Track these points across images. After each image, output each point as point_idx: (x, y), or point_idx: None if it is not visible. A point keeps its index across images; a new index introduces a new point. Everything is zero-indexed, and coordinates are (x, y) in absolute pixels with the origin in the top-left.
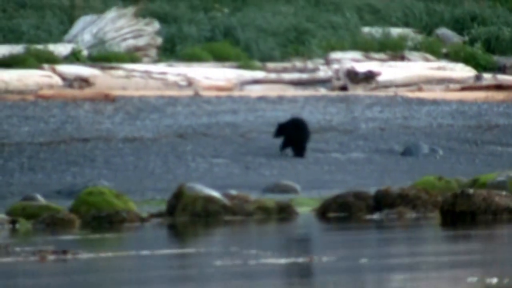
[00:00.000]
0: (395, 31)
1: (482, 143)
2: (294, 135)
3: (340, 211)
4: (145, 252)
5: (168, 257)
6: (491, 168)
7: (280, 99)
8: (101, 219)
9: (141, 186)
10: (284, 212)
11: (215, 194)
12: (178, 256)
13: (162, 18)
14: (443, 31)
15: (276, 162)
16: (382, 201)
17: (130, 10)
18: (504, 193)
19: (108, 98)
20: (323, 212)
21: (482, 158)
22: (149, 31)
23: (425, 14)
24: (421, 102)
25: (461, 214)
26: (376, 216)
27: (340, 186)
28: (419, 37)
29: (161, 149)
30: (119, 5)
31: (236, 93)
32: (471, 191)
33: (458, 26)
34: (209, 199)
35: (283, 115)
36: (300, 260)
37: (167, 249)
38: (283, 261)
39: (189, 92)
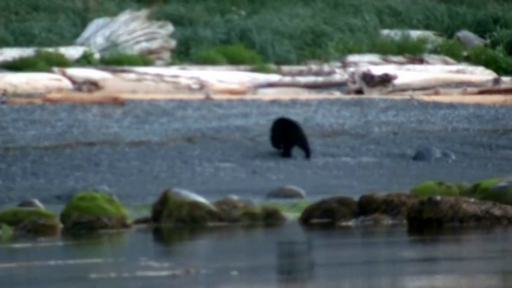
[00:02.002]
0: (415, 34)
1: (497, 147)
2: (277, 136)
3: (324, 217)
4: (39, 263)
5: (56, 268)
6: (503, 173)
7: (293, 102)
8: (82, 225)
9: (144, 191)
10: (271, 218)
11: (201, 199)
12: (69, 267)
13: (178, 21)
14: (464, 33)
15: (285, 166)
16: (367, 207)
17: (144, 12)
18: (472, 200)
19: (117, 102)
20: (306, 218)
21: (495, 163)
22: (162, 34)
23: (447, 16)
24: (437, 105)
25: (428, 221)
26: (352, 222)
27: (346, 191)
28: (440, 40)
29: (168, 153)
30: (133, 8)
31: (248, 97)
32: (438, 198)
33: (480, 29)
34: (195, 205)
35: (296, 119)
36: (177, 272)
37: (76, 259)
38: (158, 273)
39: (200, 96)
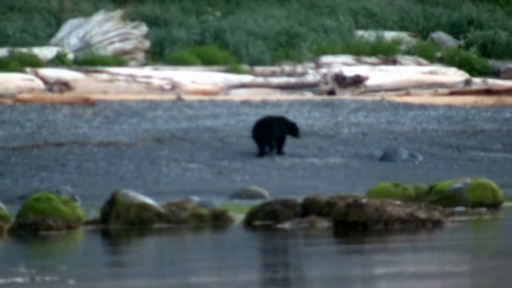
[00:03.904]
0: (390, 35)
1: (465, 148)
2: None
3: (267, 219)
4: None
5: None
6: (468, 174)
7: (264, 103)
8: (27, 227)
9: (108, 192)
10: (219, 220)
11: (149, 201)
12: None
13: (153, 21)
14: (439, 34)
15: (251, 167)
16: (310, 209)
17: (118, 13)
18: (398, 202)
19: (87, 102)
20: (250, 220)
21: (461, 164)
22: (136, 35)
23: (422, 17)
24: (408, 106)
25: (354, 224)
26: (287, 225)
27: (309, 192)
28: (414, 41)
29: (136, 154)
30: (108, 8)
31: (219, 97)
32: (364, 201)
33: (455, 30)
34: (143, 207)
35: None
36: (20, 280)
37: None
38: (5, 281)
39: (171, 96)
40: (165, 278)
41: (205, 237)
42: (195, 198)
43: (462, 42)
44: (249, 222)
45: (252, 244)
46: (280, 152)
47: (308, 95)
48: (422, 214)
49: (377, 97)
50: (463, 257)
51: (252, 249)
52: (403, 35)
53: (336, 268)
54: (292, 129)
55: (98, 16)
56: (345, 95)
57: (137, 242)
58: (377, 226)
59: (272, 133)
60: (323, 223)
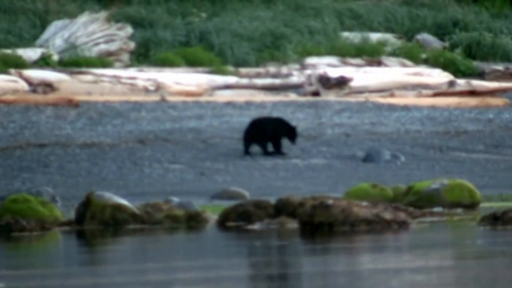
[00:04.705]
0: (375, 36)
1: (447, 149)
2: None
3: (240, 220)
4: None
5: None
6: (450, 174)
7: (248, 104)
8: (1, 228)
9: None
10: (193, 221)
11: (124, 202)
12: None
13: (138, 23)
14: (424, 36)
15: (234, 168)
16: (283, 210)
17: (103, 14)
18: (364, 204)
19: (71, 103)
20: (223, 221)
21: (443, 165)
22: (121, 36)
23: (408, 19)
24: (392, 108)
25: (320, 225)
26: (257, 226)
27: (290, 193)
28: (399, 43)
29: (119, 155)
30: (93, 10)
31: (203, 99)
32: (330, 201)
33: (440, 32)
34: (118, 208)
35: (249, 120)
36: None
37: None
38: None
39: (155, 98)
40: (120, 276)
41: (172, 237)
42: (175, 199)
43: (447, 43)
44: (222, 223)
45: (212, 245)
46: (279, 152)
47: (292, 96)
48: (388, 215)
49: (361, 98)
50: (410, 257)
51: (208, 250)
52: (389, 37)
53: (276, 266)
54: (289, 133)
55: (83, 18)
56: (330, 96)
57: (105, 243)
58: (343, 227)
59: (260, 133)
60: (293, 224)
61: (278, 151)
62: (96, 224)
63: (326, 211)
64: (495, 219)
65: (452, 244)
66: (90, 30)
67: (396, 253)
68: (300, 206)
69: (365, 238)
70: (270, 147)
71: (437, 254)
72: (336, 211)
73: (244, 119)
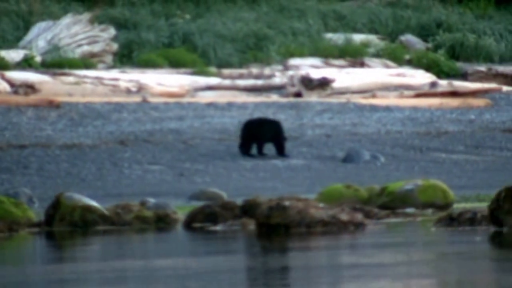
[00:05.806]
0: (358, 38)
1: (427, 149)
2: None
3: (207, 221)
4: None
5: None
6: (429, 175)
7: (230, 105)
8: None
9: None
10: (162, 222)
11: (93, 203)
12: None
13: (122, 24)
14: (408, 37)
15: (213, 169)
16: (248, 211)
17: (86, 16)
18: (321, 205)
19: (52, 104)
20: (190, 222)
21: (422, 165)
22: (104, 37)
23: (392, 20)
24: (374, 108)
25: (276, 226)
26: (219, 227)
27: (268, 194)
28: (382, 44)
29: (99, 156)
30: (79, 11)
31: (185, 100)
32: (287, 203)
33: (424, 33)
34: (87, 209)
35: (231, 121)
36: None
37: None
38: None
39: (137, 99)
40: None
41: (136, 238)
42: (152, 200)
43: (430, 44)
44: (188, 224)
45: (167, 246)
46: (283, 155)
47: (274, 97)
48: (344, 217)
49: (343, 99)
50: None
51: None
52: (372, 38)
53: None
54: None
55: (66, 19)
56: (312, 97)
57: (74, 244)
58: (300, 229)
59: (265, 134)
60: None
61: (281, 153)
62: (65, 226)
63: (282, 212)
64: (451, 220)
65: (397, 244)
66: (73, 31)
67: (333, 251)
68: (258, 207)
69: (317, 239)
70: (254, 150)
71: (376, 253)
72: (293, 212)
73: (226, 120)
